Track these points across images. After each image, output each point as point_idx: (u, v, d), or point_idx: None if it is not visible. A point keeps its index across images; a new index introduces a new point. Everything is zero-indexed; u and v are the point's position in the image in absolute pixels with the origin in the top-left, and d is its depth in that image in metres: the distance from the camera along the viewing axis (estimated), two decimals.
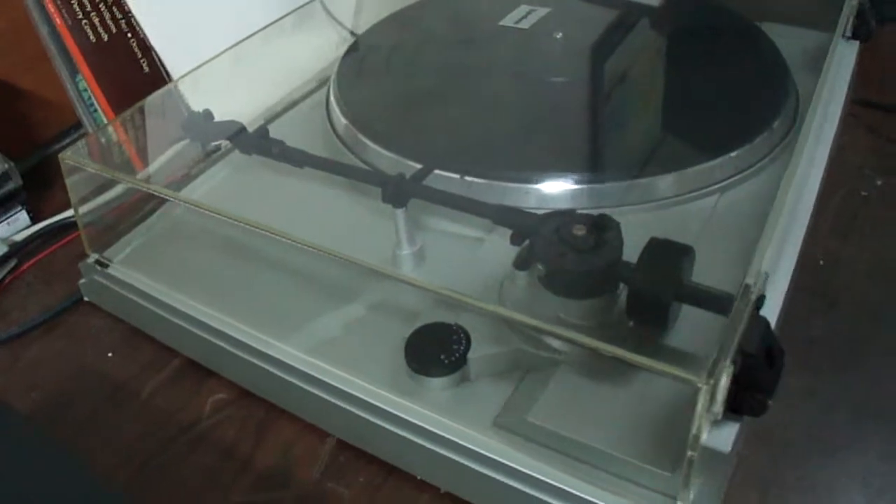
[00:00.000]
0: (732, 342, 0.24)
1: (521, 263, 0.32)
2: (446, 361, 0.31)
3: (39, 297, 0.46)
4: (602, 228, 0.31)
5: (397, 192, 0.36)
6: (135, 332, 0.43)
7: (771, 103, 0.44)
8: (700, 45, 0.50)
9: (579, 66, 0.49)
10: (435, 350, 0.32)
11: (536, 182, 0.39)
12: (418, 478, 0.33)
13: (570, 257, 0.30)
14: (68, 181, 0.41)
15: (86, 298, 0.45)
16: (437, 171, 0.38)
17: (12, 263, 0.48)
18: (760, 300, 0.27)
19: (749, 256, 0.28)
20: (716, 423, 0.26)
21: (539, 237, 0.31)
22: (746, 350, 0.25)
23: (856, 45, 0.52)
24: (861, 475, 0.32)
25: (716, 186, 0.40)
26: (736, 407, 0.26)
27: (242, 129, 0.43)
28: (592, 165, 0.42)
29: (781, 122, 0.43)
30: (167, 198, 0.43)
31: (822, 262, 0.43)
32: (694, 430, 0.24)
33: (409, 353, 0.32)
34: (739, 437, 0.27)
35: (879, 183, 0.48)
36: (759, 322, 0.26)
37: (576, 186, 0.39)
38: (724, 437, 0.26)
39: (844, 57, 0.50)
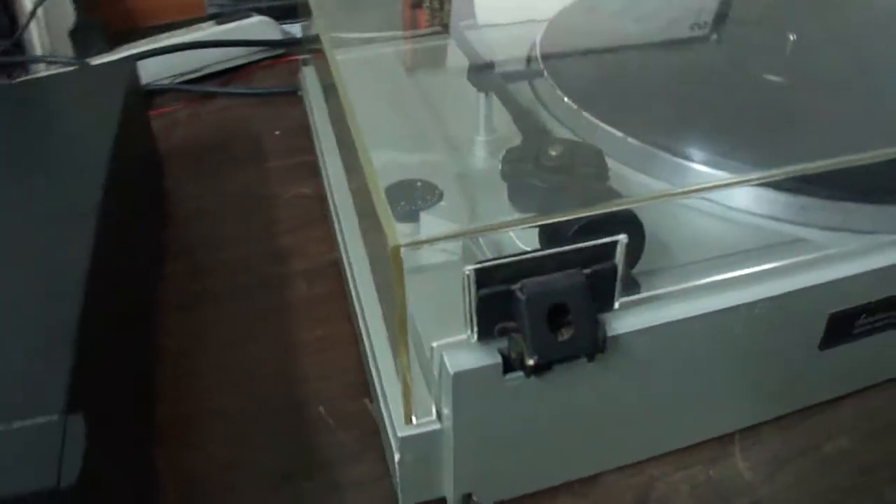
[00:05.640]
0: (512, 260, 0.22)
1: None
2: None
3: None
4: (586, 164, 0.29)
5: (479, 76, 0.37)
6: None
7: None
8: None
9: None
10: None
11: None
12: None
13: (516, 167, 0.29)
14: None
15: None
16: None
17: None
18: (608, 271, 0.23)
19: None
20: (468, 346, 0.24)
21: (518, 147, 0.31)
22: (527, 285, 0.22)
23: None
24: None
25: None
26: (507, 349, 0.24)
27: None
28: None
29: None
30: None
31: None
32: (398, 300, 0.22)
33: None
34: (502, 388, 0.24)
35: None
36: (570, 278, 0.23)
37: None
38: (456, 361, 0.23)
39: None
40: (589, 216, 0.24)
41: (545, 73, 0.39)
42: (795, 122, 0.37)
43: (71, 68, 0.50)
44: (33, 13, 0.51)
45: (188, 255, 0.41)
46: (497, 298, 0.22)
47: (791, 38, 0.44)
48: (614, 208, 0.25)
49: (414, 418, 0.25)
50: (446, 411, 0.25)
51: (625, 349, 0.24)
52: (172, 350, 0.36)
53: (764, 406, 0.31)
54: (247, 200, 0.45)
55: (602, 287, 0.23)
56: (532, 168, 0.29)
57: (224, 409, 0.33)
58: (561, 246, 0.23)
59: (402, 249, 0.22)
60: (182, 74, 0.55)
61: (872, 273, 0.28)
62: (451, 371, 0.23)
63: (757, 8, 0.50)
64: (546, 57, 0.42)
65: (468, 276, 0.22)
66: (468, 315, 0.23)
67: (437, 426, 0.25)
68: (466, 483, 0.26)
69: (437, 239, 0.23)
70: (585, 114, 0.36)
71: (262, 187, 0.46)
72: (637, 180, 0.34)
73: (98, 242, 0.28)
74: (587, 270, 0.23)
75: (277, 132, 0.51)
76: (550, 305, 0.22)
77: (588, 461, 0.28)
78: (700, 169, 0.33)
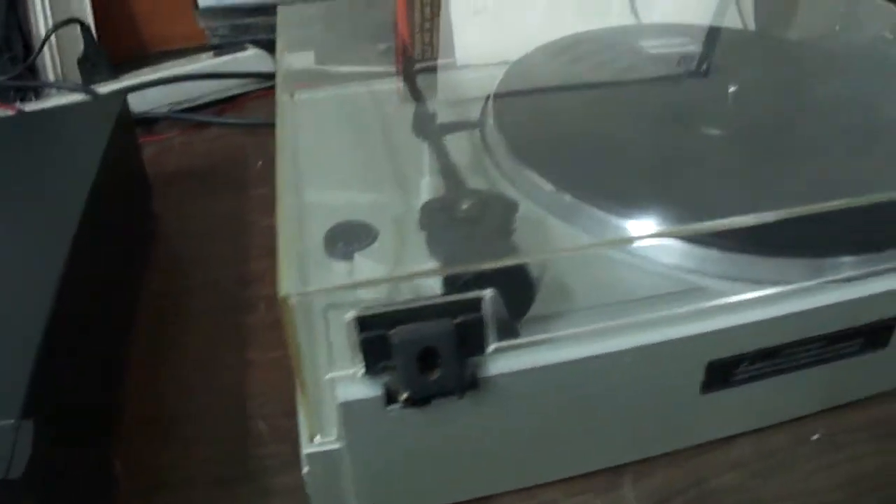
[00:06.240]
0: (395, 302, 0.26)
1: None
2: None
3: None
4: (494, 219, 0.33)
5: (420, 125, 0.40)
6: None
7: None
8: None
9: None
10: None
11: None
12: None
13: (432, 217, 0.33)
14: None
15: None
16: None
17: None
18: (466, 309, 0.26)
19: None
20: (357, 379, 0.27)
21: (438, 198, 0.34)
22: (399, 331, 0.26)
23: None
24: None
25: None
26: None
27: None
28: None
29: None
30: None
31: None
32: (291, 345, 0.26)
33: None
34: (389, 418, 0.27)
35: None
36: (439, 326, 0.26)
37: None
38: (345, 392, 0.27)
39: None
40: (475, 271, 0.28)
41: (484, 125, 0.43)
42: (723, 176, 0.40)
43: (75, 94, 0.55)
44: (45, 40, 0.56)
45: (167, 275, 0.46)
46: (376, 341, 0.26)
47: (731, 89, 0.47)
48: (501, 264, 0.28)
49: (319, 437, 0.29)
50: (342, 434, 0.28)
51: (498, 389, 0.28)
52: (143, 361, 0.40)
53: (653, 442, 0.34)
54: (226, 226, 0.49)
55: (471, 334, 0.26)
56: (445, 220, 0.32)
57: (180, 417, 0.37)
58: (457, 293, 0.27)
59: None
60: (181, 102, 0.59)
61: (748, 325, 0.31)
62: (339, 400, 0.27)
63: (711, 57, 0.53)
64: (496, 103, 0.45)
65: (350, 322, 0.25)
66: (355, 353, 0.26)
67: (337, 446, 0.29)
68: (367, 498, 0.30)
69: (327, 290, 0.27)
70: (520, 165, 0.40)
71: (242, 214, 0.50)
72: (563, 232, 0.37)
73: (72, 261, 0.33)
74: (457, 319, 0.26)
75: (261, 162, 0.55)
76: (420, 349, 0.26)
77: (481, 484, 0.32)
78: (620, 224, 0.36)
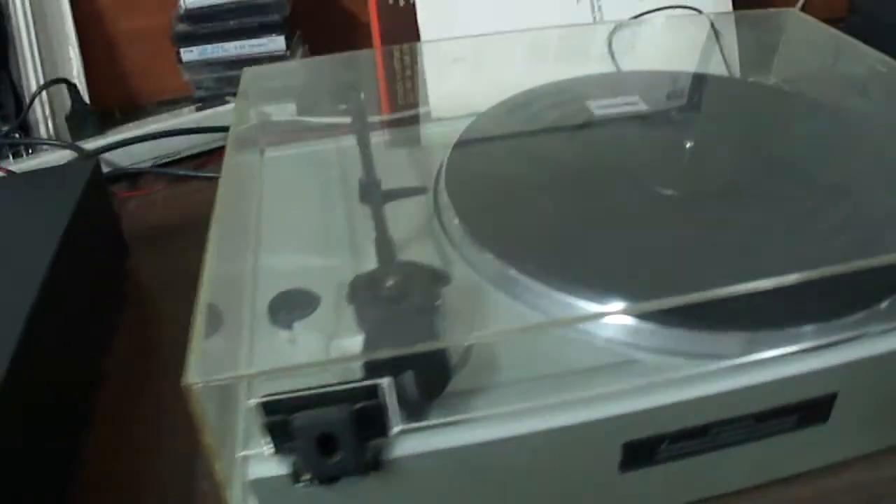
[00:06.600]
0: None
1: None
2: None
3: None
4: (417, 297, 0.34)
5: (365, 193, 0.41)
6: None
7: None
8: None
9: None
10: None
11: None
12: None
13: (359, 293, 0.34)
14: None
15: None
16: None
17: None
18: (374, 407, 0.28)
19: None
20: (268, 458, 0.28)
21: (367, 273, 0.35)
22: (298, 417, 0.27)
23: None
24: None
25: None
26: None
27: None
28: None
29: None
30: None
31: None
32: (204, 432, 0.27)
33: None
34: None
35: None
36: (338, 412, 0.27)
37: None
38: (255, 469, 0.28)
39: None
40: (389, 356, 0.29)
41: (436, 189, 0.44)
42: (672, 244, 0.39)
43: (65, 150, 0.58)
44: (32, 99, 0.58)
45: (136, 331, 0.48)
46: (280, 425, 0.27)
47: (688, 145, 0.47)
48: (408, 352, 0.29)
49: None
50: None
51: (403, 469, 0.29)
52: (105, 417, 0.42)
53: None
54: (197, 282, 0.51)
55: (371, 419, 0.27)
56: (370, 297, 0.34)
57: (133, 477, 0.39)
58: (371, 374, 0.28)
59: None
60: (165, 156, 0.62)
61: (667, 406, 0.31)
62: (250, 477, 0.28)
63: (664, 111, 0.53)
64: (449, 165, 0.46)
65: (254, 407, 0.27)
66: (263, 434, 0.28)
67: None
68: None
69: (229, 379, 0.28)
70: (464, 233, 0.40)
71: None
72: (505, 306, 0.36)
73: (29, 328, 0.35)
74: (357, 405, 0.27)
75: None
76: (319, 434, 0.27)
77: None
78: (561, 299, 0.35)
